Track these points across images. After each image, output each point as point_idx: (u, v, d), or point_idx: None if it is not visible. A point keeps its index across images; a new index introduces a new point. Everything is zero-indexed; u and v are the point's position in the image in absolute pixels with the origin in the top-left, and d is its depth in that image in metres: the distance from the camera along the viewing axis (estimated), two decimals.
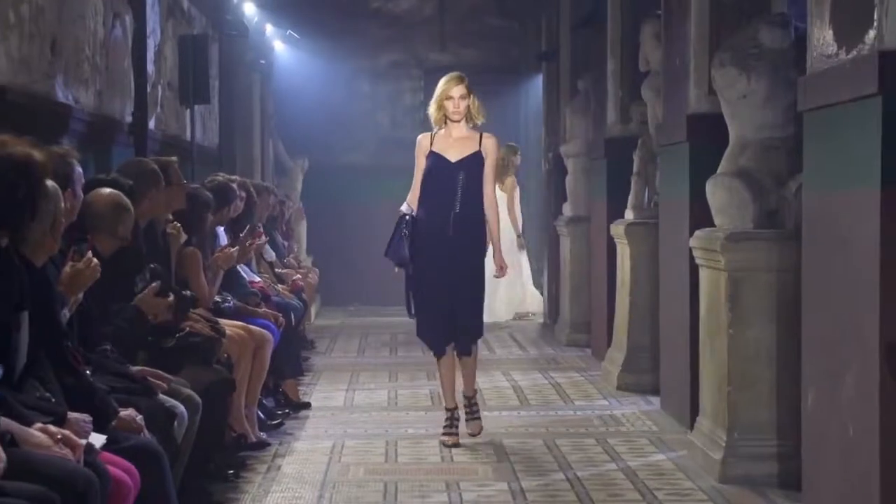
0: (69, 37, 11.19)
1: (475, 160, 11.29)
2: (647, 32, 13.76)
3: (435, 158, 11.37)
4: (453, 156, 11.26)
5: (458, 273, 11.37)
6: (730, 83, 10.11)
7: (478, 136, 11.35)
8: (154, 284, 8.51)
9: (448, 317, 11.44)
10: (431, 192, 11.39)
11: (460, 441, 11.24)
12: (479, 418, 11.68)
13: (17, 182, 5.98)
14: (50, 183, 6.48)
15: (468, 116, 11.30)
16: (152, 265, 8.82)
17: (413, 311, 11.72)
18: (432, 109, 11.36)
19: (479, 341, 12.19)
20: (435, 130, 11.50)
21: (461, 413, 11.58)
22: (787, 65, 9.69)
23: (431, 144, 11.44)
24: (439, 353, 11.63)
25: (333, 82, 25.16)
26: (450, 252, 11.27)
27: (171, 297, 8.41)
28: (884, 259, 7.16)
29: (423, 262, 11.32)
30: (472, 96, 11.22)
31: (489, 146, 11.34)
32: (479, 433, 11.51)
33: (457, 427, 11.41)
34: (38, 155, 6.11)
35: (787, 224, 9.64)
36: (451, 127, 11.33)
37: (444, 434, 11.33)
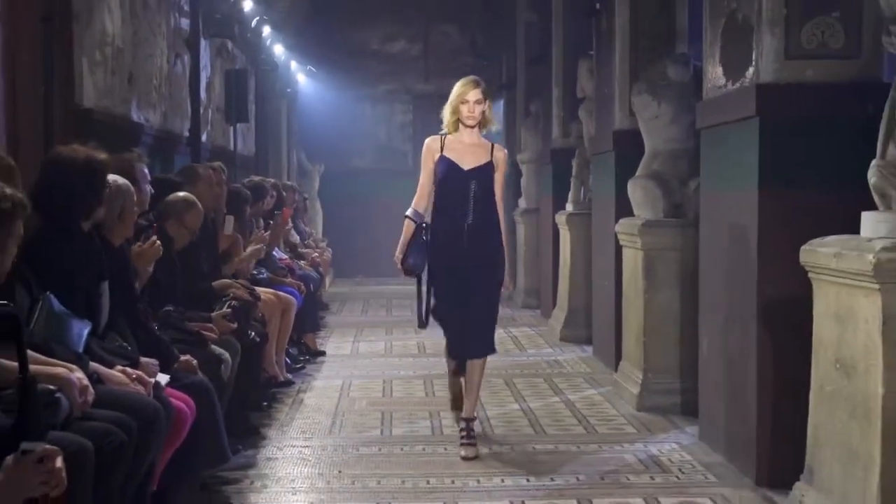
0: (141, 71, 11.18)
1: (487, 170, 8.66)
2: (582, 68, 13.75)
3: (447, 164, 8.74)
4: (466, 163, 8.66)
5: (473, 287, 8.58)
6: (645, 107, 10.16)
7: (489, 145, 8.81)
8: (227, 309, 8.57)
9: (463, 332, 8.74)
10: (445, 202, 8.76)
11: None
12: (474, 444, 8.37)
13: (82, 178, 6.02)
14: (118, 179, 6.51)
15: (481, 123, 8.80)
16: (234, 303, 8.90)
17: (427, 321, 8.99)
18: (446, 113, 8.84)
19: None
20: (444, 133, 8.91)
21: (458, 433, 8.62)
22: (688, 93, 9.73)
23: (442, 149, 8.81)
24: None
25: (342, 106, 25.15)
26: (464, 264, 8.53)
27: (235, 325, 8.47)
28: (760, 242, 7.25)
29: (443, 273, 8.66)
30: (487, 102, 8.76)
31: (500, 158, 8.72)
32: (475, 457, 8.20)
33: (474, 437, 8.46)
34: (98, 157, 6.15)
35: (688, 214, 9.70)
36: (464, 132, 8.77)
37: (463, 445, 8.39)
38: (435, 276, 8.75)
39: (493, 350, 8.89)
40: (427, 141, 9.04)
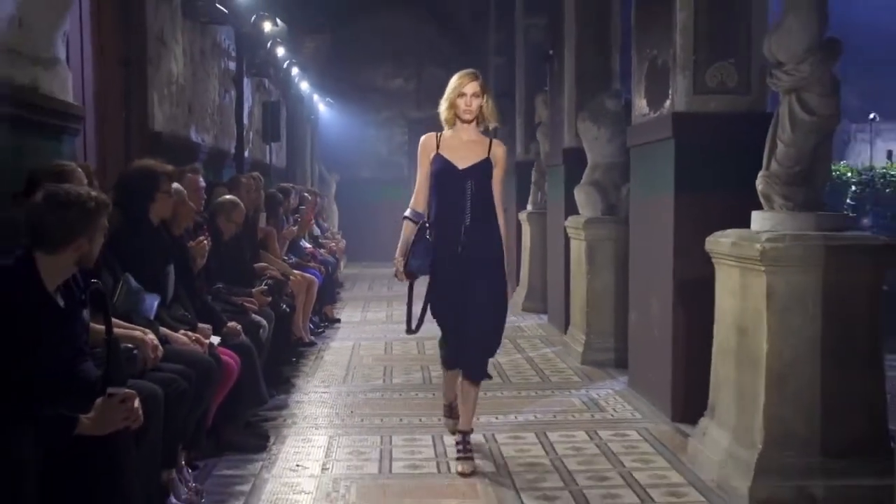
0: (198, 103, 11.17)
1: (484, 168, 6.50)
2: (539, 100, 13.71)
3: (441, 163, 6.58)
4: (461, 162, 6.49)
5: (472, 296, 6.41)
6: (587, 130, 10.16)
7: (487, 141, 6.61)
8: (262, 285, 8.61)
9: (460, 341, 6.57)
10: (441, 203, 6.57)
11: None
12: (471, 459, 6.40)
13: (143, 182, 6.05)
14: (176, 185, 6.54)
15: (479, 118, 6.59)
16: (269, 281, 8.97)
17: (418, 327, 6.85)
18: (443, 108, 6.68)
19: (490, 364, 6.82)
20: (443, 130, 6.72)
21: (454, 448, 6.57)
22: (620, 120, 9.70)
23: (438, 146, 6.64)
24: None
25: (353, 129, 25.10)
26: (463, 269, 6.40)
27: (270, 297, 8.48)
28: (675, 234, 7.26)
29: (440, 277, 6.58)
30: (486, 96, 6.56)
31: (499, 154, 6.55)
32: (472, 473, 6.24)
33: (471, 451, 6.46)
34: (157, 166, 6.18)
35: (620, 213, 9.67)
36: (461, 128, 6.61)
37: (458, 460, 6.38)
38: (433, 279, 6.64)
39: (487, 375, 6.65)
40: (422, 139, 6.79)
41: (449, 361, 6.85)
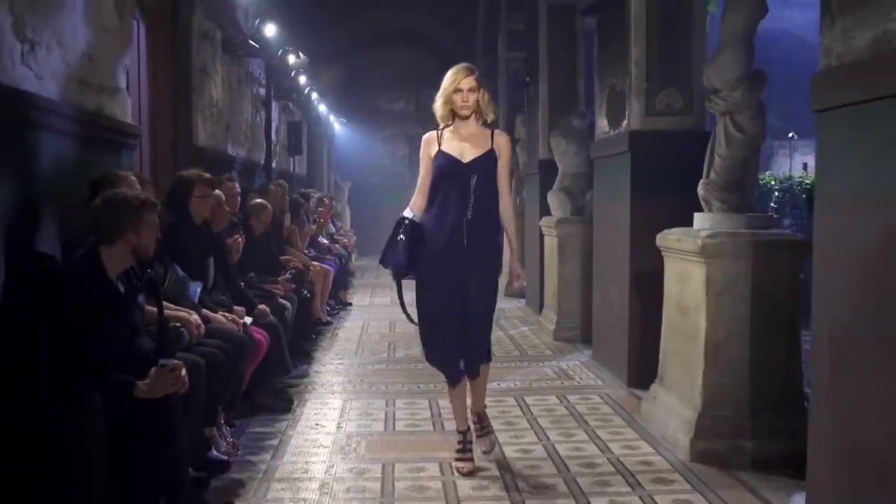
0: (235, 122, 11.18)
1: (488, 159, 5.51)
2: (518, 120, 13.71)
3: (444, 159, 5.55)
4: (465, 156, 5.52)
5: (471, 287, 5.46)
6: (558, 145, 10.17)
7: (489, 132, 5.57)
8: (287, 274, 8.61)
9: (461, 334, 5.49)
10: (442, 197, 5.54)
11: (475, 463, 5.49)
12: (490, 432, 5.75)
13: (182, 188, 6.10)
14: (216, 192, 6.56)
15: (477, 112, 5.58)
16: (293, 271, 8.96)
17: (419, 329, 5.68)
18: (438, 105, 5.67)
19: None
20: (441, 128, 5.69)
21: (472, 434, 5.66)
22: (585, 136, 9.69)
23: (440, 143, 5.61)
24: (455, 380, 5.57)
25: (362, 144, 25.08)
26: (463, 264, 5.42)
27: (292, 284, 8.49)
28: (631, 232, 7.27)
29: (434, 276, 5.52)
30: (482, 90, 5.57)
31: (502, 144, 5.55)
32: (493, 450, 5.66)
33: (471, 451, 5.54)
34: (193, 175, 6.21)
35: (586, 214, 9.67)
36: (460, 124, 5.57)
37: (458, 459, 5.48)
38: (427, 277, 5.57)
39: (490, 355, 5.68)
40: (425, 137, 5.73)
41: (452, 366, 5.54)
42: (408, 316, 5.69)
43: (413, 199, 5.66)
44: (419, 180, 5.66)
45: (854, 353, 3.85)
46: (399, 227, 5.57)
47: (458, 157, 5.50)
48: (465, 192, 5.45)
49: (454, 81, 5.56)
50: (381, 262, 5.76)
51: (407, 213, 5.62)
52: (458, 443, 5.58)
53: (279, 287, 8.00)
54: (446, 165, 5.51)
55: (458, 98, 5.52)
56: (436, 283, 5.46)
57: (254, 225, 8.21)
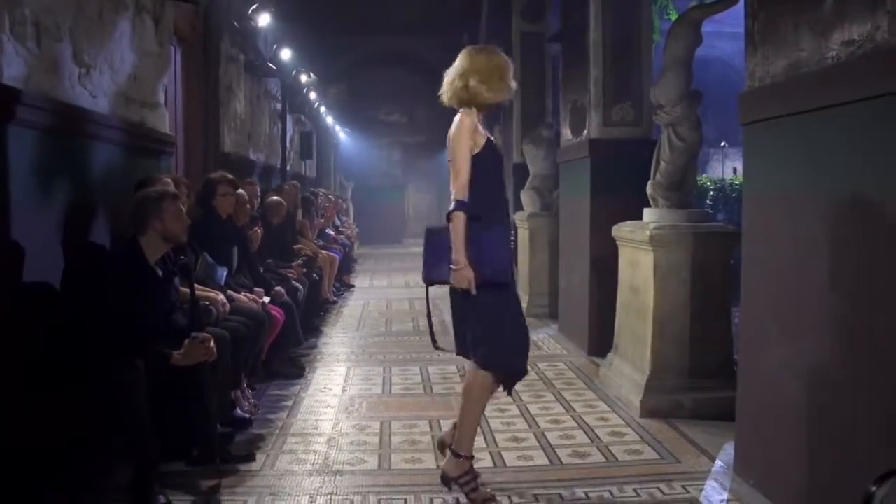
0: (255, 132, 11.19)
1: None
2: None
3: (491, 148, 3.95)
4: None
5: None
6: (530, 151, 10.13)
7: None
8: (299, 260, 8.58)
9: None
10: (497, 194, 3.98)
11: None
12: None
13: (208, 187, 6.11)
14: (241, 191, 6.58)
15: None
16: (304, 258, 8.91)
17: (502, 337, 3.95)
18: (495, 87, 3.93)
19: None
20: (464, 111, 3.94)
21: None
22: (552, 144, 9.67)
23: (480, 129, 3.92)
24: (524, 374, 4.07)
25: (363, 150, 25.05)
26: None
27: (304, 269, 8.48)
28: (591, 225, 7.25)
29: (511, 275, 4.04)
30: None
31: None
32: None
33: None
34: (218, 176, 6.22)
35: (553, 210, 9.65)
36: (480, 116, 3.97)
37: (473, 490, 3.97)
38: (511, 278, 4.04)
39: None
40: (470, 120, 3.93)
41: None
42: (433, 334, 4.31)
43: (464, 189, 3.90)
44: (464, 169, 3.92)
45: (773, 325, 3.93)
46: (436, 232, 4.06)
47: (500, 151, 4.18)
48: (504, 189, 4.13)
49: (510, 74, 4.03)
50: (432, 279, 4.09)
51: (461, 204, 3.88)
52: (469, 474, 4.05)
53: (293, 272, 8.01)
54: (493, 156, 4.01)
55: (506, 94, 4.05)
56: (511, 282, 4.04)
57: (271, 219, 8.22)
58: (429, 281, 4.10)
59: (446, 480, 4.09)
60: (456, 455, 4.07)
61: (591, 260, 7.33)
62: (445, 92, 4.02)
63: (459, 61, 4.03)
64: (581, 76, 7.50)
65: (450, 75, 4.03)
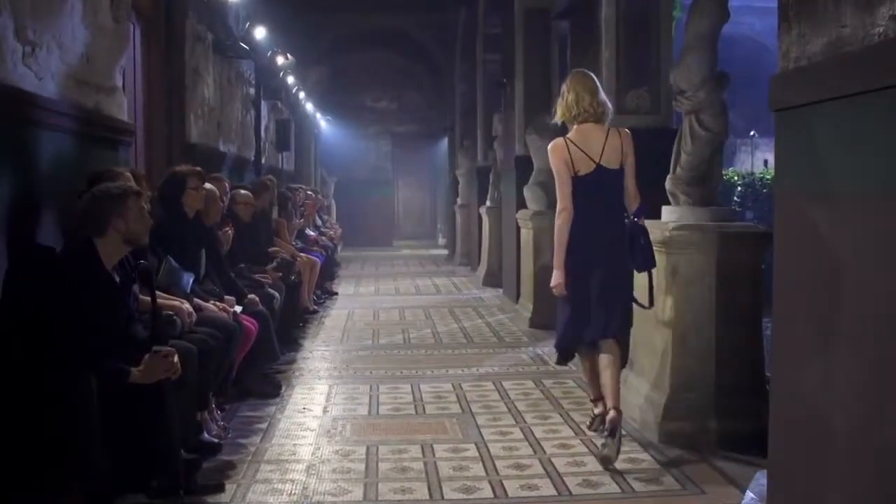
0: (226, 120, 11.15)
1: None
2: (496, 118, 13.70)
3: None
4: None
5: None
6: (533, 142, 10.12)
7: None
8: (275, 264, 8.56)
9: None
10: None
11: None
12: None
13: (176, 182, 6.08)
14: (209, 185, 6.55)
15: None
16: (279, 258, 8.89)
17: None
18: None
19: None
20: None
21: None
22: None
23: None
24: None
25: (347, 141, 25.03)
26: None
27: (281, 274, 8.47)
28: None
29: None
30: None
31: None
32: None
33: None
34: (183, 171, 6.20)
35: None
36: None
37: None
38: None
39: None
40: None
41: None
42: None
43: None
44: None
45: (810, 338, 3.89)
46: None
47: None
48: None
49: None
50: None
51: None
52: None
53: (268, 277, 7.98)
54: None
55: None
56: None
57: (239, 214, 8.19)
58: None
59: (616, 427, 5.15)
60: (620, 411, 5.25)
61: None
62: (608, 110, 5.49)
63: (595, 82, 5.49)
64: (591, 58, 7.50)
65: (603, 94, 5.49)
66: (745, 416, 5.35)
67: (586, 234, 5.38)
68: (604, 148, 5.36)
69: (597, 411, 5.68)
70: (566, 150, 5.39)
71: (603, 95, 5.46)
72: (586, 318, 5.41)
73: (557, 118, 5.62)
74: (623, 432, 5.34)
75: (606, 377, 5.34)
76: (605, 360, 5.36)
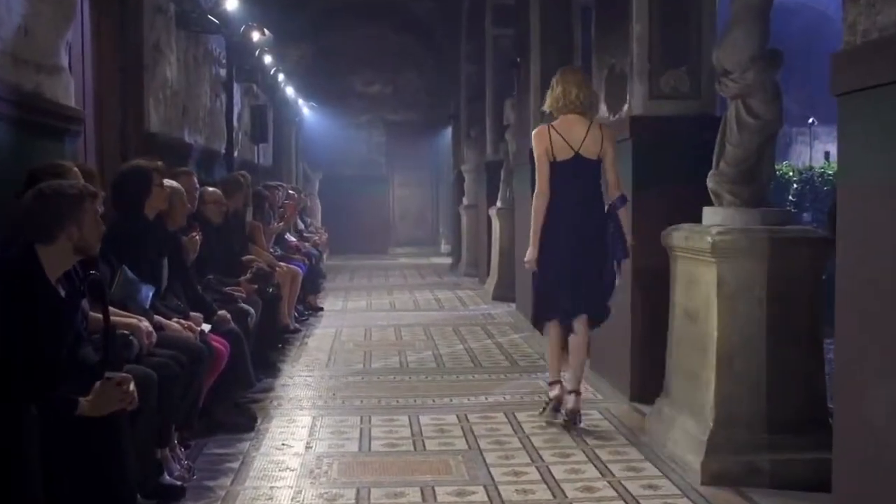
0: (192, 106, 11.14)
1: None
2: (508, 104, 13.76)
3: None
4: None
5: None
6: None
7: None
8: (250, 275, 8.55)
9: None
10: None
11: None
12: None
13: (138, 179, 6.04)
14: (174, 183, 6.53)
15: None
16: (255, 268, 8.85)
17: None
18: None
19: None
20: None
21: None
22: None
23: None
24: None
25: (335, 130, 25.02)
26: None
27: (256, 287, 8.46)
28: (633, 228, 7.26)
29: None
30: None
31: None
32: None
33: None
34: (150, 166, 6.17)
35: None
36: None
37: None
38: None
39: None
40: None
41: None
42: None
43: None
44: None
45: (881, 362, 3.85)
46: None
47: None
48: None
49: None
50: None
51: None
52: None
53: (241, 289, 7.95)
54: None
55: None
56: None
57: (208, 214, 8.15)
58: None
59: (576, 417, 6.68)
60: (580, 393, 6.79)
61: (633, 275, 7.30)
62: (597, 101, 7.07)
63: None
64: (621, 33, 7.50)
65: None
66: (804, 454, 5.33)
67: (563, 216, 6.67)
68: (584, 138, 6.64)
69: (552, 394, 6.88)
70: (548, 137, 6.73)
71: (591, 89, 6.84)
72: (558, 294, 6.73)
73: (546, 108, 6.93)
74: (657, 472, 5.30)
75: (574, 358, 6.73)
76: (574, 342, 6.74)
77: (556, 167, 6.71)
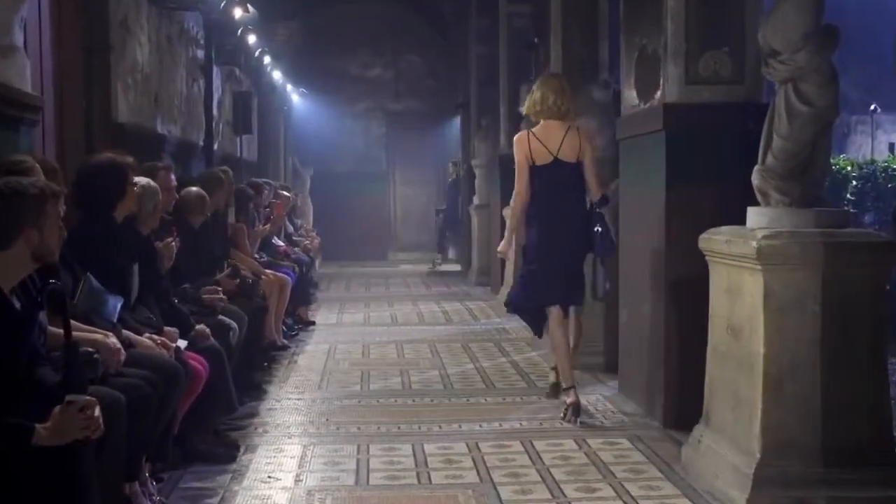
0: (165, 93, 11.17)
1: None
2: (524, 90, 13.71)
3: None
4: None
5: None
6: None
7: None
8: (229, 271, 8.58)
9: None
10: None
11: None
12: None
13: (111, 177, 6.04)
14: (148, 181, 6.53)
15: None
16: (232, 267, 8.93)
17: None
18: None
19: None
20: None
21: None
22: (609, 111, 9.67)
23: None
24: None
25: (328, 120, 25.09)
26: None
27: (238, 281, 8.56)
28: (667, 230, 7.29)
29: None
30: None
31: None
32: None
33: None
34: (124, 161, 6.18)
35: (611, 203, 9.68)
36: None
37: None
38: None
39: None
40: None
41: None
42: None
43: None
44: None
45: None
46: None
47: None
48: None
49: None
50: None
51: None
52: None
53: (218, 292, 7.86)
54: None
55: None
56: None
57: (190, 221, 8.15)
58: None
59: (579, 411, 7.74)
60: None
61: (666, 283, 7.33)
62: (573, 108, 8.19)
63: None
64: (653, 9, 7.52)
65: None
66: (865, 490, 5.33)
67: (545, 217, 7.90)
68: (562, 143, 7.81)
69: (569, 400, 7.78)
70: (527, 143, 7.88)
71: (569, 97, 7.98)
72: (541, 286, 7.99)
73: (523, 110, 8.51)
74: None
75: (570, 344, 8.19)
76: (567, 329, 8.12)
77: (537, 171, 7.86)
